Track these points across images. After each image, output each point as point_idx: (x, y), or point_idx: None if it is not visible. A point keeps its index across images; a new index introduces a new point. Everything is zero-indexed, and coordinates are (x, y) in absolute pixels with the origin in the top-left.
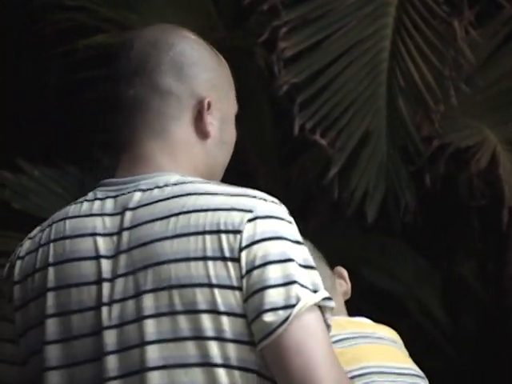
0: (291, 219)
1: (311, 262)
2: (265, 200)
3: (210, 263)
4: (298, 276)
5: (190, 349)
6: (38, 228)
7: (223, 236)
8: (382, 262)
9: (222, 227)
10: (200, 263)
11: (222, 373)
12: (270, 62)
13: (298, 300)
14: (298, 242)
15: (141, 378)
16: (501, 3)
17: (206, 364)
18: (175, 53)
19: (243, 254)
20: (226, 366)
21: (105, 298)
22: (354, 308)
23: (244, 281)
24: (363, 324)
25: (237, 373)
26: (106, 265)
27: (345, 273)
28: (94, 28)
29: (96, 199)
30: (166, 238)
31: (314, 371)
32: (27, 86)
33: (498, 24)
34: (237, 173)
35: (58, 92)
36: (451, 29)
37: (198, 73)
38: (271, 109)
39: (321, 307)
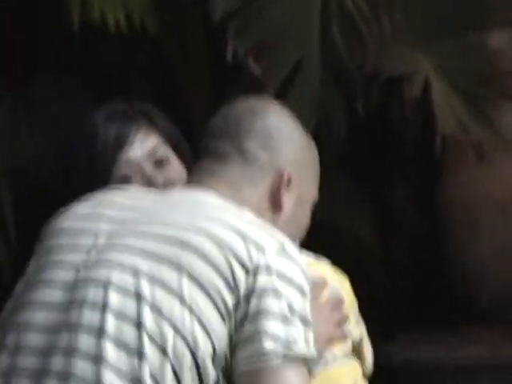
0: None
1: (309, 318)
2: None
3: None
4: (292, 331)
5: None
6: None
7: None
8: None
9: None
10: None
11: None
12: None
13: (287, 350)
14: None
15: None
16: None
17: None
18: (268, 122)
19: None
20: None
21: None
22: None
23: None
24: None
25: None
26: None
27: None
28: None
29: None
30: None
31: None
32: None
33: None
34: (170, 98)
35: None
36: None
37: (286, 147)
38: (205, 35)
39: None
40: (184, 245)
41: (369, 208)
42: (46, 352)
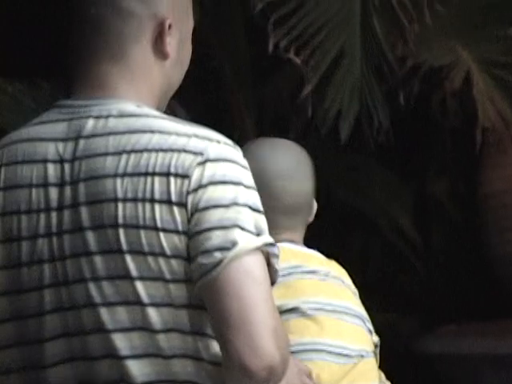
0: (244, 163)
1: (259, 207)
2: (218, 142)
3: (157, 206)
4: (241, 220)
5: (139, 288)
6: None
7: (172, 179)
8: (354, 181)
9: (172, 170)
10: (147, 205)
11: (165, 312)
12: None
13: (236, 243)
14: (247, 186)
15: (95, 311)
16: None
17: (150, 304)
18: None
19: (189, 198)
20: (169, 305)
21: (53, 228)
22: (327, 227)
23: (189, 224)
24: (310, 257)
25: (178, 311)
26: (53, 193)
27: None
28: None
29: (49, 122)
30: (116, 175)
31: (251, 314)
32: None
33: None
34: (210, 90)
35: (34, 6)
36: None
37: None
38: (246, 27)
39: (267, 252)
40: None
41: (408, 199)
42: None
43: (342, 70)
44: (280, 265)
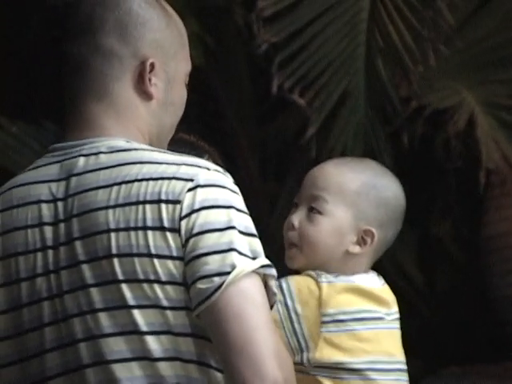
0: (235, 188)
1: (252, 230)
2: (208, 169)
3: (150, 233)
4: (237, 243)
5: (137, 317)
6: None
7: (163, 206)
8: None
9: (163, 197)
10: (140, 233)
11: (164, 340)
12: (248, 21)
13: (234, 267)
14: (238, 210)
15: (94, 343)
16: None
17: (148, 332)
18: (120, 12)
19: (183, 224)
20: (168, 332)
21: (51, 266)
22: None
23: (184, 249)
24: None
25: (178, 339)
26: (48, 232)
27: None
28: None
29: (43, 165)
30: (108, 207)
31: (252, 336)
32: (5, 40)
33: None
34: (214, 131)
35: (38, 47)
36: None
37: (143, 33)
38: (249, 68)
39: (264, 275)
40: None
41: (412, 240)
42: None
43: (346, 110)
44: None
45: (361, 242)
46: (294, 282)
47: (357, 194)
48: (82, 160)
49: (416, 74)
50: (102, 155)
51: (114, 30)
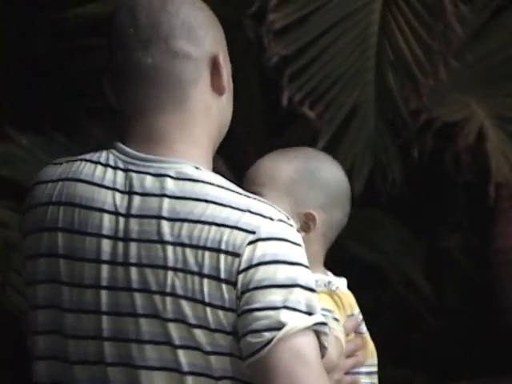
0: (297, 239)
1: (311, 284)
2: (271, 219)
3: (206, 281)
4: (291, 300)
5: (180, 356)
6: (49, 176)
7: (222, 256)
8: (366, 235)
9: (223, 246)
10: (196, 278)
11: (202, 381)
12: (259, 34)
13: (284, 324)
14: (298, 264)
15: (131, 372)
16: None
17: (189, 372)
18: (184, 15)
19: (240, 277)
20: (208, 376)
21: (103, 281)
22: None
23: (238, 301)
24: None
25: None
26: (106, 246)
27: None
28: None
29: (108, 166)
30: (168, 242)
31: None
32: (15, 52)
33: None
34: (224, 145)
35: (47, 59)
36: (440, 3)
37: (207, 31)
38: (260, 81)
39: (316, 331)
40: None
41: (421, 253)
42: None
43: (355, 123)
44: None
45: (305, 227)
46: None
47: (291, 181)
48: (148, 180)
49: (426, 87)
50: (168, 180)
51: (183, 34)
